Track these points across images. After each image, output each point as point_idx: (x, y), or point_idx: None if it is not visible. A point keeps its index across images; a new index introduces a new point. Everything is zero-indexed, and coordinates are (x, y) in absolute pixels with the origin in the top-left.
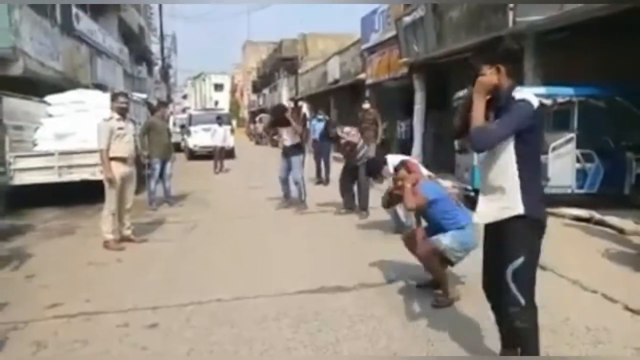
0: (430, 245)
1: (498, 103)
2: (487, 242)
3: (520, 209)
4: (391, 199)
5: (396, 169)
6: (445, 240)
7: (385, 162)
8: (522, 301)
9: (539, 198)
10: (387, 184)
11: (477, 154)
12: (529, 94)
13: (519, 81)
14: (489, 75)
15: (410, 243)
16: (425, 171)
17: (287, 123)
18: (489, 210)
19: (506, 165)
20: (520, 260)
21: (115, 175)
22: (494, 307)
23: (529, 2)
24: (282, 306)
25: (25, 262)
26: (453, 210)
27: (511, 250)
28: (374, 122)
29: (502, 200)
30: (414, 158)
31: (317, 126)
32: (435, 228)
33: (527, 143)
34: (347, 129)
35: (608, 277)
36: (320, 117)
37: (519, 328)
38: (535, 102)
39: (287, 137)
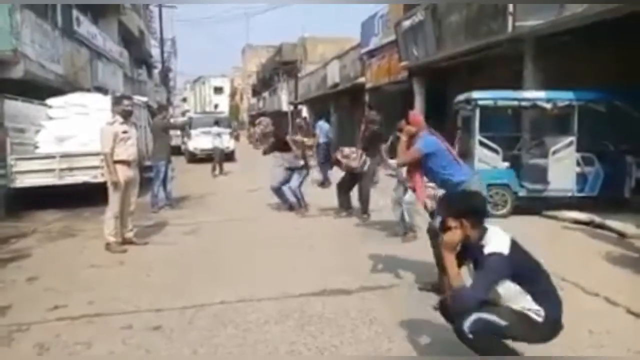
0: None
1: (471, 253)
2: None
3: (541, 318)
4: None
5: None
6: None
7: (385, 140)
8: (470, 336)
9: (556, 309)
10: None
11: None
12: (497, 241)
13: (518, 86)
14: (453, 233)
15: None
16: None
17: (287, 148)
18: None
19: (516, 295)
20: (502, 323)
21: (120, 178)
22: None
23: (528, 2)
24: (285, 308)
25: (28, 265)
26: (450, 165)
27: (505, 311)
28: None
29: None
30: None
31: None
32: (439, 183)
33: (520, 277)
34: (346, 151)
35: (609, 281)
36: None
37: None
38: (505, 249)
39: (289, 160)
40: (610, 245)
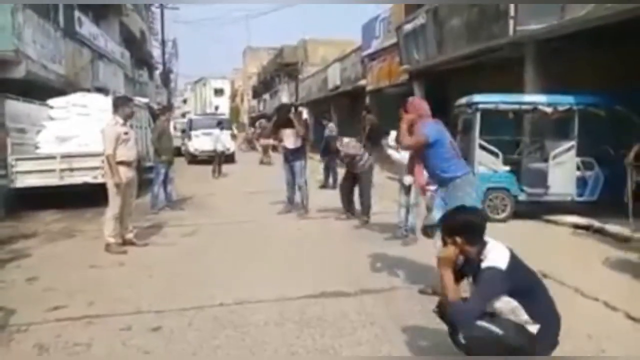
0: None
1: (471, 268)
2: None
3: (535, 332)
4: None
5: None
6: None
7: (387, 132)
8: (463, 341)
9: (552, 326)
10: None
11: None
12: (495, 255)
13: (519, 90)
14: (448, 250)
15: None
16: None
17: (290, 125)
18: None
19: (512, 309)
20: (500, 332)
21: (122, 179)
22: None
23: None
24: (284, 311)
25: (28, 265)
26: (453, 158)
27: (505, 322)
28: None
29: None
30: None
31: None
32: (434, 174)
33: (517, 292)
34: (346, 140)
35: (609, 285)
36: (325, 122)
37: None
38: (502, 264)
39: (289, 139)
40: (609, 250)
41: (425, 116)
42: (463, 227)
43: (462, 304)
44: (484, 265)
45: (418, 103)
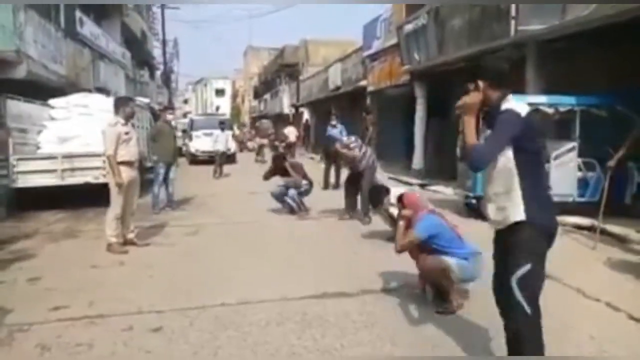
0: (435, 260)
1: (490, 116)
2: (496, 248)
3: (521, 216)
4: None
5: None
6: (450, 261)
7: (387, 192)
8: (528, 310)
9: (542, 205)
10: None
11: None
12: (517, 102)
13: (521, 90)
14: (471, 95)
15: (413, 253)
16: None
17: (286, 173)
18: (495, 217)
19: (507, 173)
20: (527, 267)
21: (124, 179)
22: (501, 312)
23: (530, 2)
24: (286, 311)
25: (29, 265)
26: (450, 246)
27: (517, 257)
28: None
29: (506, 207)
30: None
31: (331, 132)
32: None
33: (522, 150)
34: (345, 140)
35: (611, 286)
36: (334, 122)
37: (522, 335)
38: (522, 110)
39: (290, 183)
40: (611, 251)
41: (422, 209)
42: (487, 69)
43: (481, 144)
44: (503, 107)
45: (413, 198)
